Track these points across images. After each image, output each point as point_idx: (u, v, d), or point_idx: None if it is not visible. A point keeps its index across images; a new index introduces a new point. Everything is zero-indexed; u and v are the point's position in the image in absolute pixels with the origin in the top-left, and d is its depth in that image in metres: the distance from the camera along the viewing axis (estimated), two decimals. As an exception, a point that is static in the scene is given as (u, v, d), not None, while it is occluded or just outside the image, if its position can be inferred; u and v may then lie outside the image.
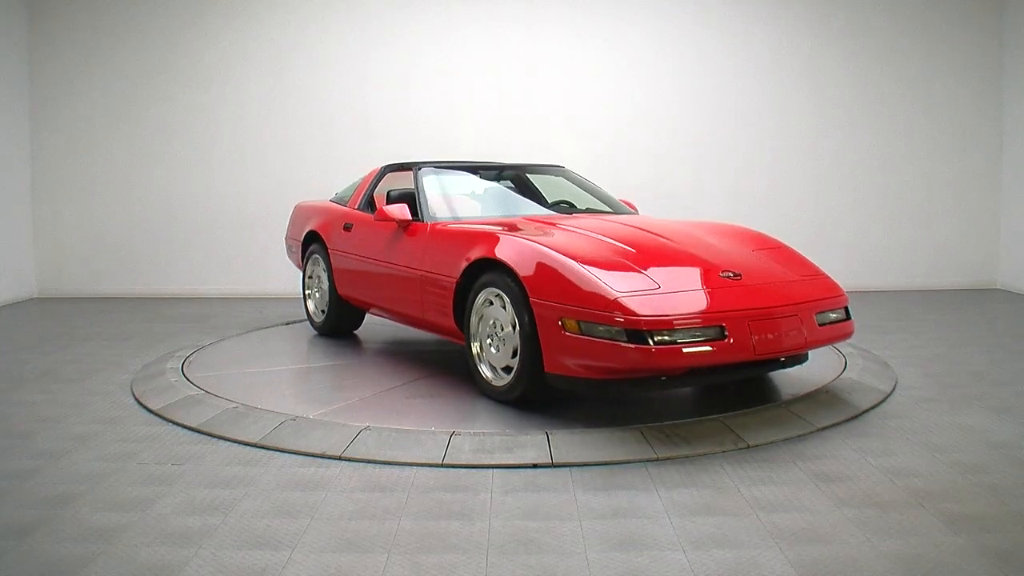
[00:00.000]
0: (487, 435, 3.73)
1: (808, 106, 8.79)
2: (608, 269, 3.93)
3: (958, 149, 8.85)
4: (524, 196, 5.69)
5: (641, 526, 2.84)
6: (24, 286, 8.69)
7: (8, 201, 8.46)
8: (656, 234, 4.53)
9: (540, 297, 3.92)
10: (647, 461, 3.49)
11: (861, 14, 8.74)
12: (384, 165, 6.06)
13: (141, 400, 4.51)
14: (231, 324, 6.97)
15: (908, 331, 6.44)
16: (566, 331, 3.80)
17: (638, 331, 3.59)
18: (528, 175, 5.96)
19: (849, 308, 4.32)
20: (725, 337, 3.71)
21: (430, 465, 3.46)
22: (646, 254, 4.19)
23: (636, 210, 5.72)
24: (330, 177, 8.68)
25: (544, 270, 3.98)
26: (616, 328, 3.64)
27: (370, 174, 6.13)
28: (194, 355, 5.53)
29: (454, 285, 4.51)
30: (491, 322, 4.26)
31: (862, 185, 8.84)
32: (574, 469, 3.41)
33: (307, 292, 6.48)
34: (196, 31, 8.70)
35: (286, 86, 8.72)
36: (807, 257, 4.57)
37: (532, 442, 3.64)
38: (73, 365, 5.48)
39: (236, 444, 3.77)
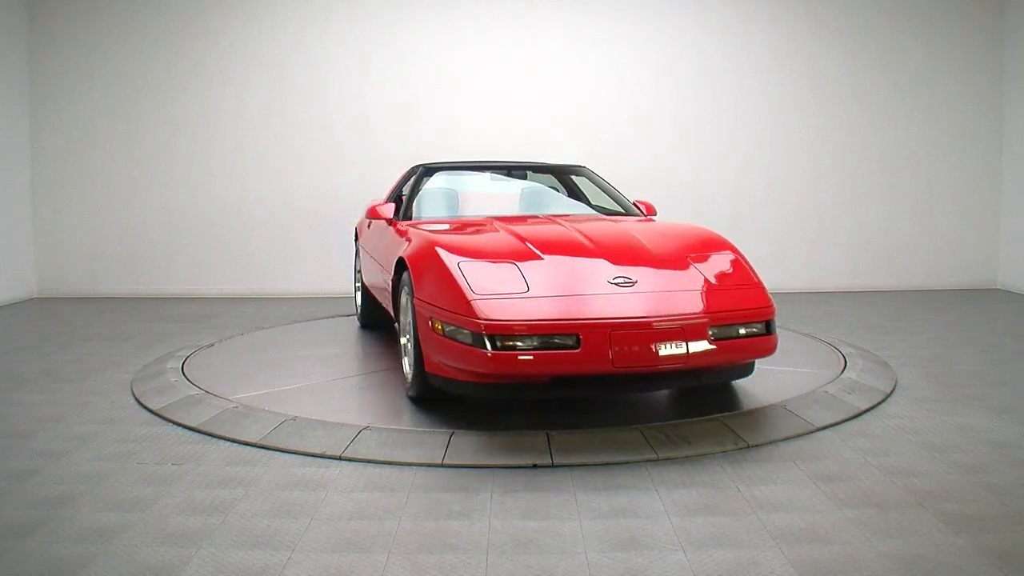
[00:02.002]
0: (487, 435, 3.73)
1: (808, 106, 8.79)
2: (487, 271, 3.89)
3: (958, 149, 8.86)
4: (523, 196, 5.69)
5: (641, 526, 2.84)
6: (24, 286, 8.69)
7: (8, 201, 8.46)
8: (589, 238, 4.32)
9: (419, 296, 4.02)
10: (647, 461, 3.49)
11: (861, 14, 8.74)
12: (415, 164, 6.08)
13: (141, 400, 4.51)
14: (231, 324, 6.97)
15: (908, 331, 6.44)
16: (434, 330, 3.85)
17: (479, 334, 3.59)
18: (544, 175, 5.97)
19: (772, 323, 3.95)
20: (578, 347, 3.55)
21: (430, 465, 3.46)
22: (553, 259, 4.07)
23: (653, 211, 5.53)
24: (330, 178, 8.71)
25: (425, 270, 4.08)
26: (465, 330, 3.66)
27: (404, 173, 6.18)
28: (194, 355, 5.53)
29: (391, 283, 4.71)
30: (410, 319, 4.29)
31: (862, 185, 8.84)
32: (574, 469, 3.41)
33: (356, 286, 6.91)
34: (196, 31, 8.70)
35: (286, 86, 8.72)
36: (749, 266, 4.23)
37: (532, 442, 3.64)
38: (73, 365, 5.48)
39: (236, 444, 3.77)
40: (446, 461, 3.48)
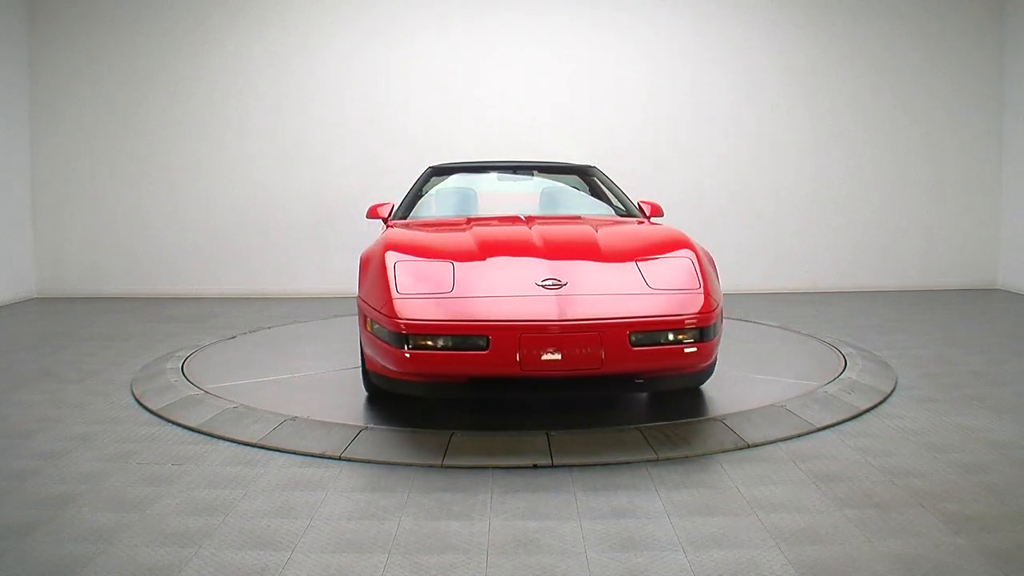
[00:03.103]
0: (487, 435, 3.73)
1: (808, 108, 8.78)
2: (419, 271, 3.94)
3: (958, 149, 8.85)
4: (543, 196, 5.67)
5: (641, 526, 2.84)
6: (24, 286, 8.69)
7: (8, 201, 8.46)
8: (546, 240, 4.27)
9: (360, 295, 4.12)
10: (647, 461, 3.49)
11: (862, 16, 8.74)
12: (429, 166, 6.10)
13: (141, 400, 4.51)
14: (231, 324, 6.97)
15: (908, 331, 6.44)
16: (368, 329, 3.93)
17: (396, 333, 3.66)
18: (553, 175, 5.96)
19: (708, 330, 3.77)
20: (487, 348, 3.54)
21: (430, 465, 3.46)
22: (494, 259, 4.09)
23: (659, 211, 5.44)
24: (330, 178, 8.71)
25: (367, 269, 4.16)
26: (386, 329, 3.72)
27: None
28: (194, 355, 5.53)
29: None
30: None
31: (862, 185, 8.83)
32: (574, 469, 3.41)
33: None
34: (198, 33, 8.70)
35: (287, 87, 8.71)
36: (702, 270, 4.00)
37: (532, 442, 3.64)
38: (73, 365, 5.48)
39: (236, 444, 3.77)
40: (446, 461, 3.48)
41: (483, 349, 3.55)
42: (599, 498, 3.10)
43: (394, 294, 3.77)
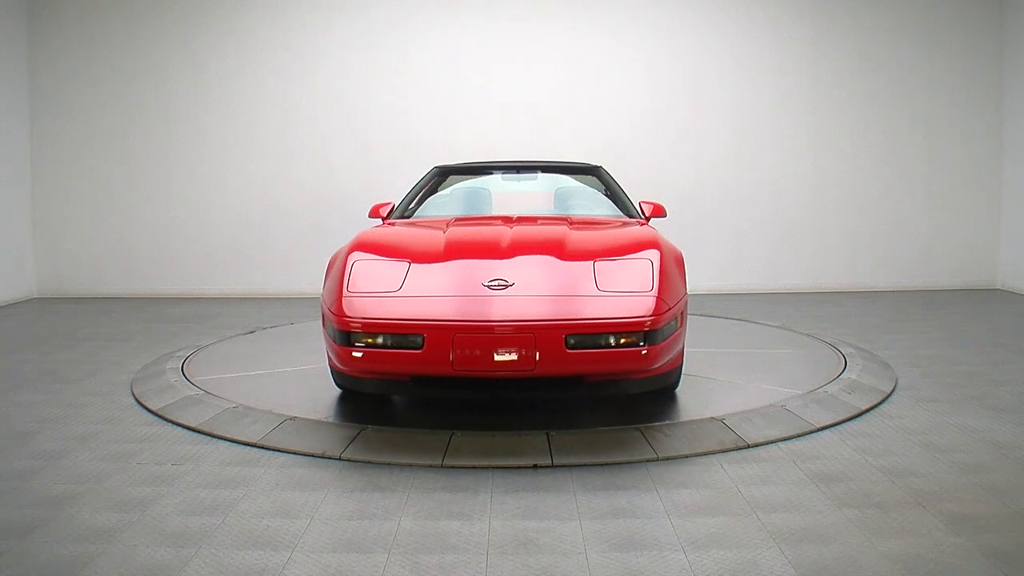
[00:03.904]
0: (487, 435, 3.73)
1: (809, 107, 8.78)
2: (375, 270, 4.04)
3: (959, 149, 8.85)
4: (557, 196, 5.68)
5: (641, 526, 2.84)
6: (24, 286, 8.69)
7: (8, 201, 8.46)
8: (514, 241, 4.29)
9: (322, 293, 4.17)
10: (647, 461, 3.49)
11: (863, 15, 8.73)
12: (435, 166, 6.13)
13: (141, 400, 4.51)
14: (231, 324, 6.97)
15: (908, 331, 6.44)
16: (324, 326, 4.03)
17: (340, 331, 3.78)
18: (555, 175, 5.98)
19: (654, 334, 3.68)
20: (422, 348, 3.60)
21: (430, 465, 3.46)
22: (445, 259, 4.13)
23: (661, 212, 5.40)
24: (330, 178, 8.71)
25: (331, 267, 4.24)
26: (332, 327, 3.85)
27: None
28: (194, 355, 5.53)
29: None
30: None
31: (863, 185, 8.83)
32: (574, 469, 3.41)
33: None
34: (198, 32, 8.70)
35: (287, 87, 8.71)
36: (662, 273, 3.93)
37: (532, 442, 3.64)
38: (73, 365, 5.48)
39: (236, 444, 3.77)
40: (446, 461, 3.48)
41: (419, 348, 3.61)
42: (599, 498, 3.10)
43: (344, 292, 3.89)
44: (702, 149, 8.76)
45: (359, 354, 3.73)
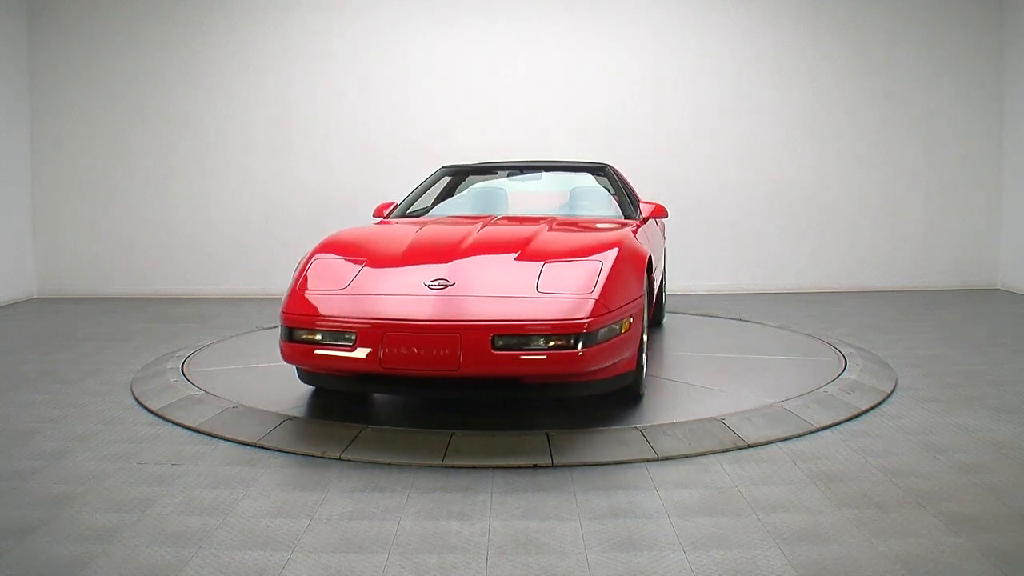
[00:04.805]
0: (487, 435, 3.73)
1: (809, 107, 8.78)
2: (331, 269, 4.12)
3: (959, 149, 8.85)
4: (572, 195, 5.70)
5: (641, 526, 2.84)
6: (24, 286, 8.69)
7: (8, 201, 8.46)
8: (478, 241, 4.34)
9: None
10: (647, 461, 3.49)
11: (863, 16, 8.73)
12: (442, 166, 6.16)
13: (141, 400, 4.51)
14: (231, 324, 6.97)
15: (908, 331, 6.44)
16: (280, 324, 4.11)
17: (283, 327, 3.94)
18: (560, 175, 6.00)
19: (588, 336, 3.62)
20: (354, 345, 3.69)
21: (430, 465, 3.46)
22: (402, 258, 4.20)
23: (662, 212, 5.36)
24: (330, 178, 8.71)
25: (299, 264, 4.30)
26: (280, 322, 3.99)
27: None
28: (194, 355, 5.53)
29: None
30: None
31: (863, 186, 8.83)
32: (574, 469, 3.41)
33: None
34: (199, 32, 8.69)
35: (287, 88, 8.71)
36: (608, 275, 3.86)
37: (532, 442, 3.64)
38: (73, 365, 5.48)
39: (236, 444, 3.77)
40: (446, 461, 3.48)
41: (350, 345, 3.69)
42: (599, 498, 3.10)
43: (294, 289, 4.05)
44: (702, 149, 8.76)
45: (301, 349, 3.87)
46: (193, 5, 8.69)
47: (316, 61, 8.71)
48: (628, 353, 3.96)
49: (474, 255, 4.17)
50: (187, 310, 7.85)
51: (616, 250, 4.09)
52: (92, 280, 8.84)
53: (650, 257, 4.52)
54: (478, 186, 5.89)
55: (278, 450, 3.67)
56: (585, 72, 8.74)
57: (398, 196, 6.34)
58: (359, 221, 6.61)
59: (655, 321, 6.40)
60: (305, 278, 4.11)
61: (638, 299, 4.05)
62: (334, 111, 8.72)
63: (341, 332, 3.74)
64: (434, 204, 5.80)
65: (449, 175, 6.00)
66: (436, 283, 3.87)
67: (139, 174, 8.79)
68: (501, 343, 3.58)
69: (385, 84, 8.69)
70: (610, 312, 3.76)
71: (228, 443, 3.78)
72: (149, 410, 4.33)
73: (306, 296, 3.99)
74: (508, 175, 6.05)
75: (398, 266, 4.14)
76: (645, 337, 4.40)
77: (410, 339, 3.64)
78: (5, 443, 3.79)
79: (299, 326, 3.87)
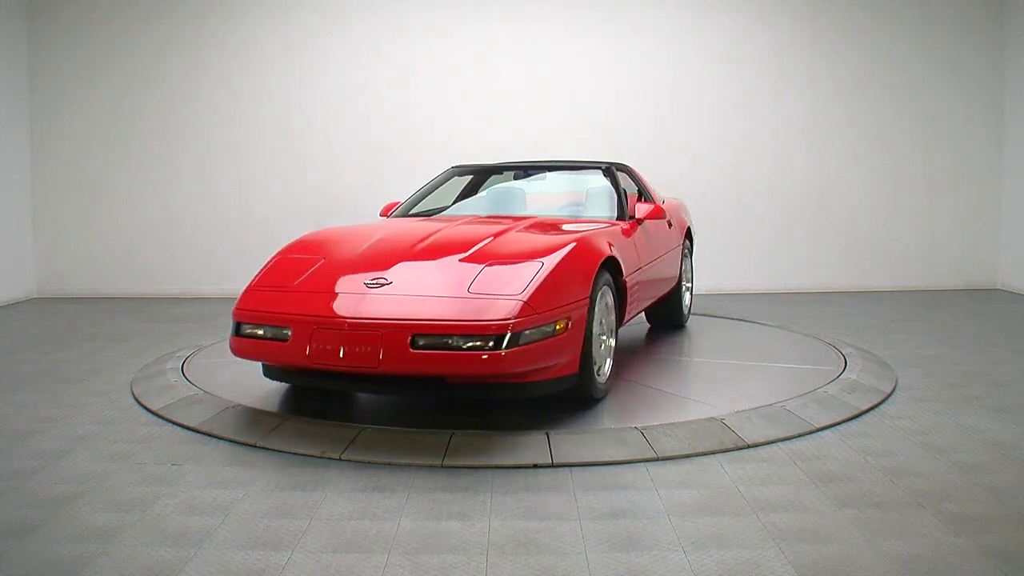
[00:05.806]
0: (487, 435, 3.73)
1: (809, 106, 8.78)
2: (292, 267, 4.25)
3: (959, 149, 8.85)
4: (589, 196, 5.68)
5: (641, 526, 2.84)
6: (24, 286, 8.69)
7: (8, 201, 8.46)
8: (437, 242, 4.38)
9: None
10: (647, 461, 3.49)
11: (862, 16, 8.73)
12: (452, 166, 6.19)
13: (141, 400, 4.51)
14: (231, 324, 6.95)
15: (908, 331, 6.44)
16: None
17: (233, 321, 4.11)
18: (564, 175, 6.04)
19: (511, 337, 3.58)
20: (287, 340, 3.82)
21: (430, 465, 3.46)
22: (358, 257, 4.28)
23: (659, 213, 5.32)
24: (330, 178, 8.71)
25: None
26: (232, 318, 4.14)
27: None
28: (194, 355, 5.53)
29: None
30: None
31: (863, 185, 8.83)
32: (574, 469, 3.41)
33: None
34: (199, 32, 8.69)
35: (287, 88, 8.71)
36: (544, 277, 3.84)
37: (532, 442, 3.64)
38: (73, 365, 5.48)
39: (236, 444, 3.77)
40: (446, 461, 3.48)
41: (285, 340, 3.83)
42: (599, 498, 3.10)
43: (251, 286, 4.21)
44: (701, 150, 8.76)
45: (245, 343, 4.02)
46: (193, 5, 8.69)
47: (317, 61, 8.71)
48: (566, 356, 3.87)
49: (422, 256, 4.25)
50: (187, 310, 7.85)
51: (563, 252, 4.05)
52: (92, 280, 8.84)
53: (617, 259, 4.44)
54: (499, 186, 5.88)
55: (278, 450, 3.67)
56: (586, 73, 8.74)
57: (399, 196, 6.35)
58: (360, 221, 6.62)
59: (675, 324, 6.42)
60: (263, 275, 4.28)
61: (580, 301, 3.94)
62: (335, 110, 8.72)
63: (279, 327, 3.88)
64: (453, 203, 5.82)
65: (458, 175, 6.01)
66: (375, 282, 3.98)
67: (139, 174, 8.79)
68: (422, 343, 3.61)
69: (386, 84, 8.69)
70: (539, 314, 3.71)
71: (228, 443, 3.78)
72: (149, 410, 4.33)
73: (257, 292, 4.16)
74: (515, 176, 6.04)
75: (350, 265, 4.22)
76: (614, 342, 4.46)
77: (333, 336, 3.73)
78: (5, 443, 3.79)
79: (245, 321, 4.03)
